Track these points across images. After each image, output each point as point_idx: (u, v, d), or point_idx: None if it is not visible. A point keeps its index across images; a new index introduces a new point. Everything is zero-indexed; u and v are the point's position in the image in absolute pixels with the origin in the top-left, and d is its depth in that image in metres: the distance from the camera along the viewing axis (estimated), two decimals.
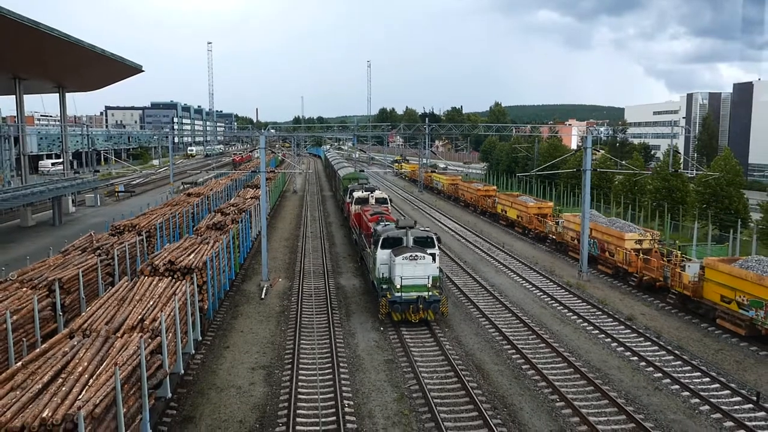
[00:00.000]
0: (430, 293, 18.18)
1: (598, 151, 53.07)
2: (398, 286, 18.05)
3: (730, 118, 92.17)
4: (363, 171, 50.50)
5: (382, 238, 19.41)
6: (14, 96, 45.40)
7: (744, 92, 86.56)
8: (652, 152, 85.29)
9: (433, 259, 18.81)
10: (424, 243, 19.53)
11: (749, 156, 79.46)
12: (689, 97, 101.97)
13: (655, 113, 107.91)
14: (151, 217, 25.35)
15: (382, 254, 19.37)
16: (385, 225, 21.13)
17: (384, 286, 18.98)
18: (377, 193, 31.20)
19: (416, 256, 18.29)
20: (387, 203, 30.66)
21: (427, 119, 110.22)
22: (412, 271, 18.12)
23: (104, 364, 9.74)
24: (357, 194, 30.68)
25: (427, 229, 21.22)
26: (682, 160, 62.65)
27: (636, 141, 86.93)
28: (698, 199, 36.83)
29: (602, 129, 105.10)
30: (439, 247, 20.06)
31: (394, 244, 19.30)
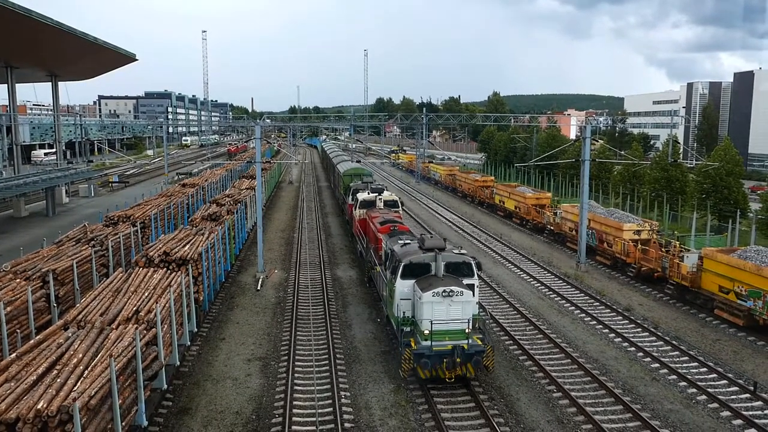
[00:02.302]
0: (471, 341, 13.55)
1: (597, 141, 52.90)
2: (426, 333, 13.44)
3: (730, 107, 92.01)
4: (360, 161, 49.89)
5: (403, 264, 14.63)
6: (6, 85, 44.82)
7: (745, 81, 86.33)
8: (652, 142, 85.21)
9: (473, 293, 14.16)
10: (458, 270, 14.72)
11: (749, 146, 79.45)
12: (689, 86, 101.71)
13: (654, 103, 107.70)
14: (145, 208, 25.15)
15: (404, 286, 14.58)
16: (405, 243, 16.06)
17: (406, 329, 14.37)
18: (386, 195, 26.56)
19: (451, 291, 13.52)
20: (398, 207, 26.34)
21: (424, 109, 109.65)
22: (446, 313, 13.47)
23: (99, 355, 9.66)
24: (362, 196, 26.17)
25: (462, 251, 15.53)
26: (681, 150, 62.56)
27: (635, 131, 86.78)
28: (697, 189, 36.81)
29: (601, 119, 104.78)
30: (478, 275, 15.27)
31: (418, 272, 14.55)
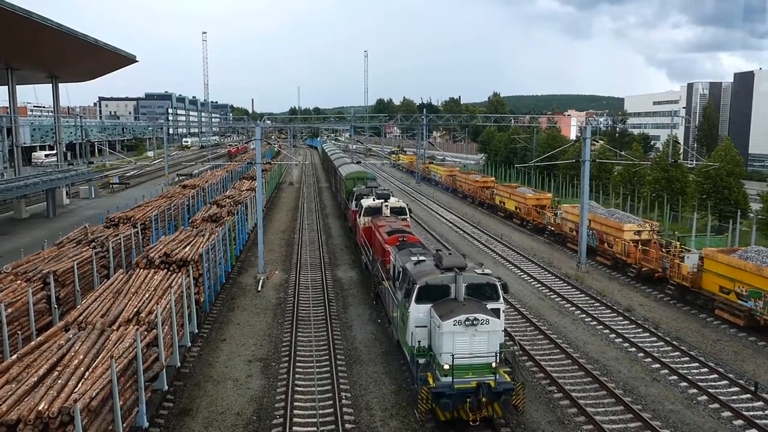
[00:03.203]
0: (498, 377, 11.70)
1: (597, 142, 52.93)
2: (446, 368, 11.63)
3: (730, 107, 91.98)
4: (360, 162, 49.82)
5: (418, 286, 12.88)
6: (7, 86, 44.88)
7: (745, 82, 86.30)
8: (652, 143, 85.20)
9: (499, 320, 12.41)
10: (480, 292, 12.97)
11: (749, 146, 79.38)
12: (689, 86, 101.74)
13: (655, 103, 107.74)
14: (146, 210, 25.19)
15: (419, 311, 12.83)
16: (419, 260, 14.23)
17: (421, 361, 12.52)
18: (393, 201, 24.65)
19: (475, 319, 11.70)
20: (406, 215, 24.33)
21: (425, 110, 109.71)
22: (469, 345, 11.71)
23: (100, 357, 9.68)
24: (366, 203, 24.34)
25: (486, 271, 13.62)
26: (681, 151, 62.54)
27: (635, 131, 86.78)
28: (698, 189, 36.81)
29: (601, 119, 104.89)
30: (504, 298, 13.45)
31: (436, 295, 12.85)
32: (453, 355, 11.53)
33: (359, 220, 24.58)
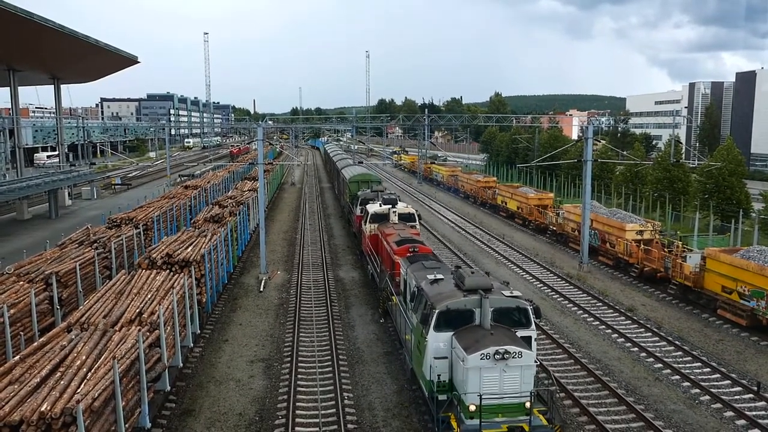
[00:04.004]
0: (533, 419, 10.12)
1: (599, 142, 52.86)
2: (472, 409, 10.01)
3: (732, 107, 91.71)
4: (362, 163, 49.73)
5: (437, 311, 11.20)
6: (8, 88, 44.99)
7: (747, 81, 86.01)
8: (654, 142, 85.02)
9: (531, 351, 10.68)
10: (508, 317, 11.32)
11: (751, 145, 79.18)
12: (691, 86, 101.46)
13: (656, 103, 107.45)
14: (148, 210, 25.25)
15: (438, 340, 11.18)
16: (436, 278, 12.67)
17: (441, 398, 10.90)
18: (401, 207, 23.08)
19: (506, 352, 10.07)
20: (414, 221, 22.81)
21: (426, 110, 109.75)
22: (499, 382, 10.13)
23: (102, 357, 9.71)
24: (372, 208, 22.92)
25: (515, 292, 11.92)
26: (683, 150, 62.44)
27: (637, 131, 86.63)
28: (700, 189, 36.74)
29: (603, 119, 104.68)
30: (536, 323, 11.74)
31: (458, 322, 11.18)
32: (480, 395, 9.89)
33: (365, 227, 23.14)
